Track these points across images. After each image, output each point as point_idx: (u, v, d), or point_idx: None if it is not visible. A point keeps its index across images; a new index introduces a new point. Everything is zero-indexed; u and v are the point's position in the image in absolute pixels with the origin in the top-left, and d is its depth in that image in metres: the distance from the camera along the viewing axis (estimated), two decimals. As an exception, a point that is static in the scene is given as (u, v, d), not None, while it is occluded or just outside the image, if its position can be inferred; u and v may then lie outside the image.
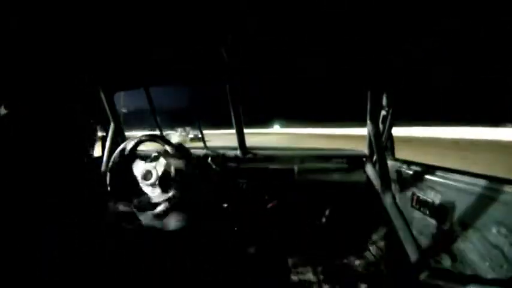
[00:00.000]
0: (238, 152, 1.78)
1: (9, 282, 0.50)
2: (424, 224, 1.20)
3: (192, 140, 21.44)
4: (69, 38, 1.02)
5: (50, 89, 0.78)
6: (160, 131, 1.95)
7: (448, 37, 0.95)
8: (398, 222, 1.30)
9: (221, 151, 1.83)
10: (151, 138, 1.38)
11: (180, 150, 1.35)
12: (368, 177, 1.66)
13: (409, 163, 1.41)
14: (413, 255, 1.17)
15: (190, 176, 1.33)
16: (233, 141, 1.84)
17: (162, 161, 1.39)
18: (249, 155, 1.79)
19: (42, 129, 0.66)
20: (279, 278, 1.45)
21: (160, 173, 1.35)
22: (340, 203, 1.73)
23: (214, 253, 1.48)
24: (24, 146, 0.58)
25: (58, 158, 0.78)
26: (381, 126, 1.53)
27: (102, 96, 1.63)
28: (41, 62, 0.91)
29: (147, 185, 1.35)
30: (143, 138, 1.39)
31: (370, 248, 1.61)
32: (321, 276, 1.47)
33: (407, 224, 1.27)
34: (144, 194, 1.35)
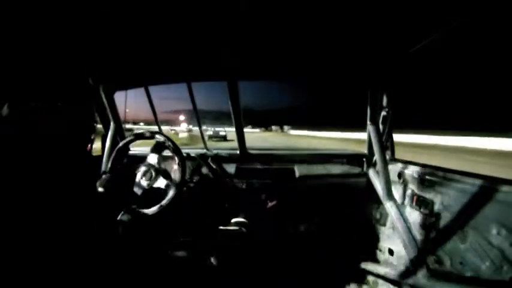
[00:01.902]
0: (238, 152, 1.78)
1: (8, 282, 0.50)
2: (424, 224, 1.20)
3: (210, 137, 18.95)
4: (69, 37, 1.02)
5: (51, 89, 0.78)
6: (159, 128, 1.94)
7: (450, 37, 0.95)
8: (398, 222, 1.30)
9: (221, 151, 1.83)
10: (149, 135, 1.38)
11: (173, 146, 1.35)
12: (368, 178, 1.66)
13: (409, 163, 1.41)
14: (413, 255, 1.17)
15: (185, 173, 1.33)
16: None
17: (160, 157, 1.39)
18: (249, 155, 1.79)
19: (44, 128, 0.66)
20: (278, 278, 1.45)
21: (159, 171, 1.35)
22: (340, 203, 1.73)
23: (212, 252, 1.48)
24: (25, 145, 0.57)
25: (58, 157, 0.77)
26: (381, 126, 1.54)
27: (103, 95, 1.63)
28: (42, 61, 0.91)
29: (146, 183, 1.35)
30: (141, 135, 1.39)
31: (370, 248, 1.61)
32: (320, 276, 1.47)
33: (407, 224, 1.27)
34: (143, 192, 1.35)
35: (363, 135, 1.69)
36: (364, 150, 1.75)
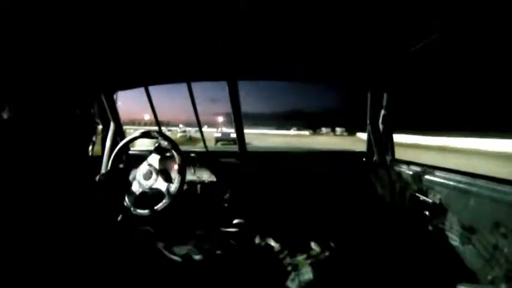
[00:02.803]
0: (238, 152, 1.78)
1: (8, 282, 0.50)
2: (424, 224, 1.20)
3: (217, 140, 15.41)
4: (69, 37, 1.02)
5: (51, 89, 0.78)
6: (160, 128, 1.94)
7: (450, 37, 0.95)
8: (398, 222, 1.31)
9: (221, 151, 1.83)
10: (148, 135, 1.39)
11: (173, 146, 1.35)
12: (368, 178, 1.66)
13: (409, 163, 1.41)
14: (413, 255, 1.17)
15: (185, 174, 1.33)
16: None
17: (161, 158, 1.39)
18: (249, 155, 1.79)
19: (45, 130, 0.66)
20: (278, 278, 1.46)
21: (159, 171, 1.35)
22: (339, 202, 1.74)
23: (212, 252, 1.48)
24: (26, 146, 0.57)
25: (58, 158, 0.77)
26: (381, 126, 1.54)
27: (102, 95, 1.63)
28: (41, 61, 0.91)
29: (146, 183, 1.35)
30: (140, 134, 1.40)
31: (370, 248, 1.61)
32: (320, 276, 1.47)
33: (407, 224, 1.27)
34: (143, 192, 1.35)
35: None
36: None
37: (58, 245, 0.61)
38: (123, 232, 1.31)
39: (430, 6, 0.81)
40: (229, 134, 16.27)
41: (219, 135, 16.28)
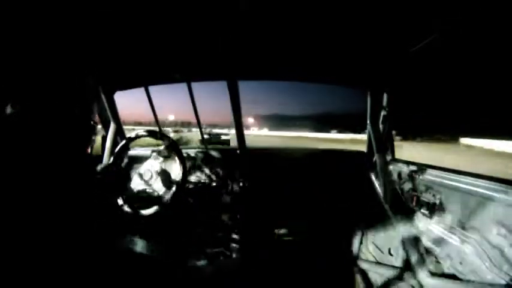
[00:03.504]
0: (237, 151, 1.78)
1: (8, 282, 0.50)
2: (424, 224, 1.20)
3: (203, 143, 14.10)
4: (69, 36, 1.02)
5: (51, 89, 0.78)
6: (160, 129, 1.94)
7: (450, 36, 0.95)
8: (398, 222, 1.31)
9: (221, 151, 1.83)
10: (150, 134, 1.39)
11: (173, 146, 1.36)
12: (368, 177, 1.66)
13: (409, 163, 1.41)
14: (413, 256, 1.17)
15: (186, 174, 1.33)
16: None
17: (161, 159, 1.39)
18: (249, 154, 1.79)
19: (45, 129, 0.66)
20: (277, 277, 1.45)
21: (159, 171, 1.35)
22: (339, 202, 1.74)
23: (214, 249, 1.48)
24: (26, 145, 0.57)
25: (59, 157, 0.77)
26: (381, 126, 1.54)
27: (102, 95, 1.63)
28: (41, 61, 0.91)
29: (146, 183, 1.35)
30: (142, 133, 1.40)
31: (370, 248, 1.61)
32: (320, 276, 1.47)
33: (407, 224, 1.27)
34: (143, 192, 1.35)
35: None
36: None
37: (56, 242, 0.61)
38: (124, 232, 1.30)
39: (430, 6, 0.81)
40: (218, 135, 14.59)
41: (206, 137, 14.72)
